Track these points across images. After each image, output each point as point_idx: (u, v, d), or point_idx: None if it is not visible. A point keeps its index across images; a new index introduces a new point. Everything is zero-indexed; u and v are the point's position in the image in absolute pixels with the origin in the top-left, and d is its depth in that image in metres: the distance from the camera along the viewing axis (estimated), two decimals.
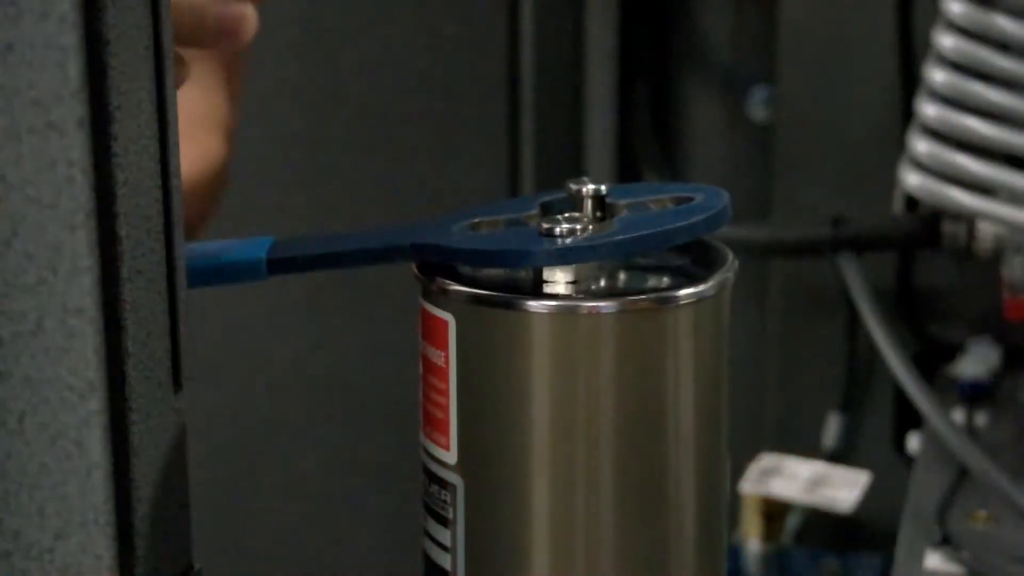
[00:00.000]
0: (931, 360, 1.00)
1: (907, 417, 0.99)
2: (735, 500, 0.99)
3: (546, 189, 0.64)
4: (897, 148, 0.94)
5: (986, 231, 0.93)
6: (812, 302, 1.10)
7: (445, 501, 0.55)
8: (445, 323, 0.54)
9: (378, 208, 1.14)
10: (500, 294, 0.54)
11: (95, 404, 0.44)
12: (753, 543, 1.00)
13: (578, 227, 0.54)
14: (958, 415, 0.91)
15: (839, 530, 1.06)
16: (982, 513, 0.78)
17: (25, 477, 0.44)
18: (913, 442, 0.98)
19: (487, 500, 0.54)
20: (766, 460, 1.01)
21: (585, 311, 0.53)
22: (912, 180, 0.91)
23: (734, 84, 1.15)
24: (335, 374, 1.19)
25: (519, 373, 0.53)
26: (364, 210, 1.14)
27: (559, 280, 0.54)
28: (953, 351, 1.00)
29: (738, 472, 0.98)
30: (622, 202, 0.57)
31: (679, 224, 0.54)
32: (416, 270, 0.56)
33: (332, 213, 1.15)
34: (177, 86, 0.52)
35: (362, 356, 1.17)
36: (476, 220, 0.57)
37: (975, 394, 0.94)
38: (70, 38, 0.42)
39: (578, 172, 1.15)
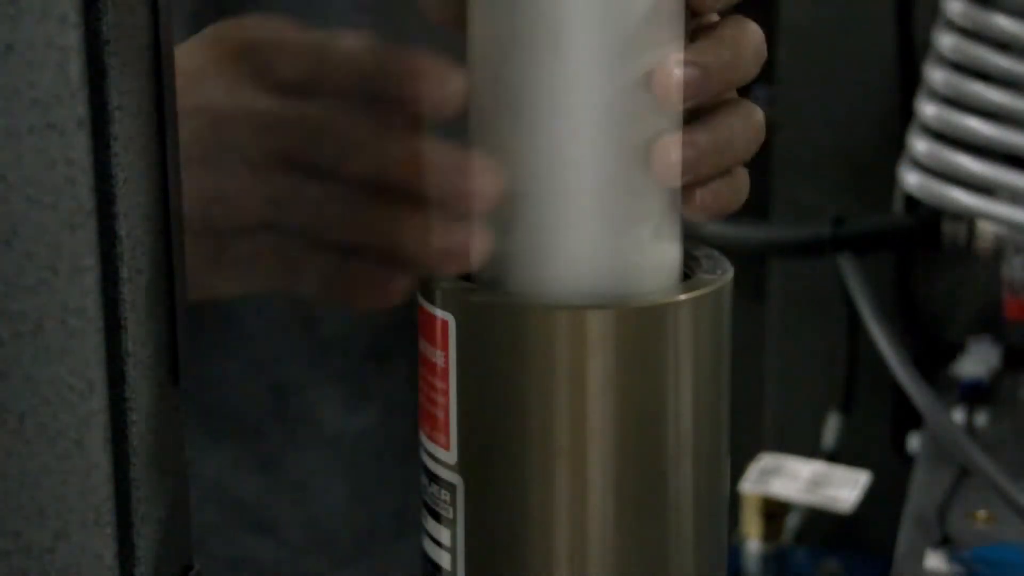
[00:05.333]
0: (931, 360, 1.00)
1: (907, 417, 0.99)
2: (735, 500, 0.99)
3: None
4: (897, 148, 0.94)
5: (986, 231, 0.93)
6: (812, 302, 1.10)
7: (445, 501, 0.55)
8: (445, 323, 0.54)
9: None
10: (500, 294, 0.54)
11: (95, 404, 0.44)
12: (753, 543, 1.00)
13: None
14: (958, 415, 0.91)
15: (839, 530, 1.06)
16: (982, 513, 0.78)
17: (25, 477, 0.44)
18: (913, 442, 0.98)
19: (487, 500, 0.54)
20: (766, 460, 1.00)
21: (585, 311, 0.53)
22: (912, 180, 0.91)
23: None
24: None
25: (519, 373, 0.53)
26: None
27: None
28: (953, 351, 1.00)
29: (738, 472, 0.98)
30: None
31: None
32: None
33: None
34: None
35: None
36: None
37: (975, 394, 0.94)
38: (70, 38, 0.42)
39: None
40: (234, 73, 0.59)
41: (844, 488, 0.97)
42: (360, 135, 0.58)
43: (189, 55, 0.58)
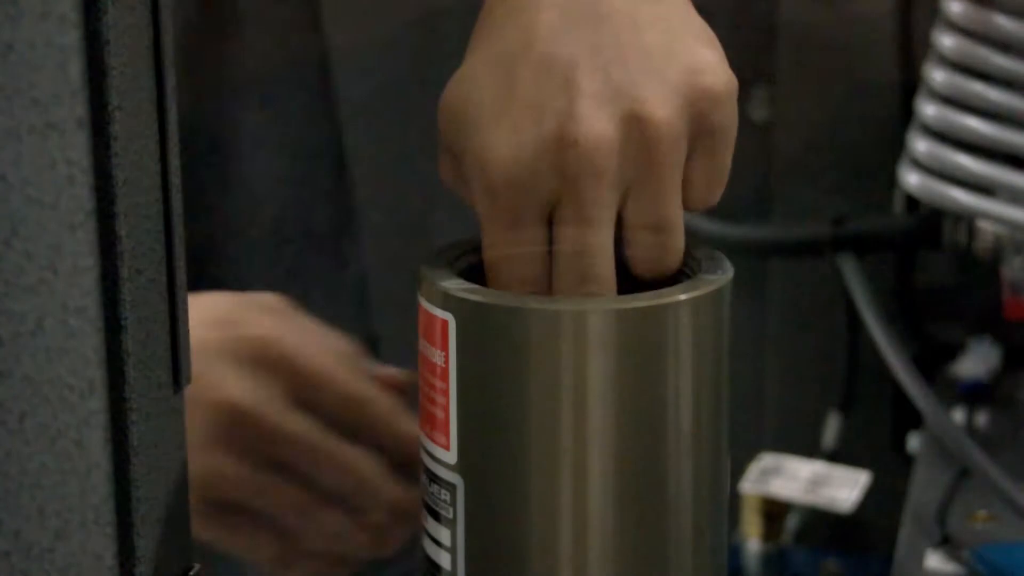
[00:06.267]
0: (931, 360, 1.00)
1: (907, 417, 0.98)
2: (735, 500, 0.99)
3: None
4: (897, 148, 0.94)
5: (986, 231, 0.93)
6: (812, 302, 1.10)
7: (445, 501, 0.55)
8: (445, 323, 0.54)
9: (379, 211, 1.14)
10: (500, 294, 0.54)
11: (95, 404, 0.44)
12: (753, 543, 1.00)
13: None
14: (958, 415, 0.91)
15: (839, 530, 1.06)
16: (982, 513, 0.78)
17: (25, 477, 0.44)
18: (913, 442, 0.98)
19: (487, 500, 0.54)
20: (766, 460, 1.00)
21: (585, 311, 0.53)
22: (912, 180, 0.91)
23: None
24: None
25: (519, 373, 0.53)
26: (365, 212, 1.14)
27: None
28: (953, 351, 1.00)
29: (738, 472, 0.98)
30: None
31: None
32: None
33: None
34: None
35: None
36: None
37: (975, 394, 0.94)
38: (70, 38, 0.42)
39: None
40: (256, 377, 0.69)
41: (844, 488, 0.97)
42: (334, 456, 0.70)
43: (202, 345, 0.62)
